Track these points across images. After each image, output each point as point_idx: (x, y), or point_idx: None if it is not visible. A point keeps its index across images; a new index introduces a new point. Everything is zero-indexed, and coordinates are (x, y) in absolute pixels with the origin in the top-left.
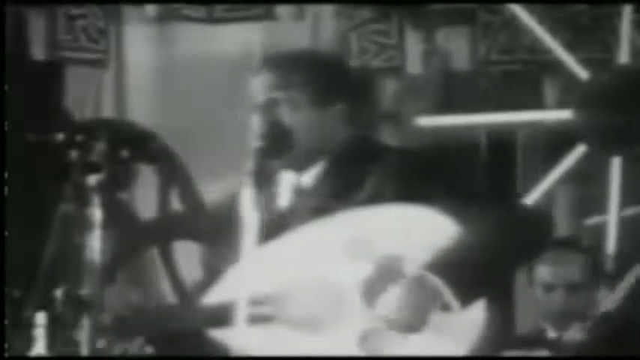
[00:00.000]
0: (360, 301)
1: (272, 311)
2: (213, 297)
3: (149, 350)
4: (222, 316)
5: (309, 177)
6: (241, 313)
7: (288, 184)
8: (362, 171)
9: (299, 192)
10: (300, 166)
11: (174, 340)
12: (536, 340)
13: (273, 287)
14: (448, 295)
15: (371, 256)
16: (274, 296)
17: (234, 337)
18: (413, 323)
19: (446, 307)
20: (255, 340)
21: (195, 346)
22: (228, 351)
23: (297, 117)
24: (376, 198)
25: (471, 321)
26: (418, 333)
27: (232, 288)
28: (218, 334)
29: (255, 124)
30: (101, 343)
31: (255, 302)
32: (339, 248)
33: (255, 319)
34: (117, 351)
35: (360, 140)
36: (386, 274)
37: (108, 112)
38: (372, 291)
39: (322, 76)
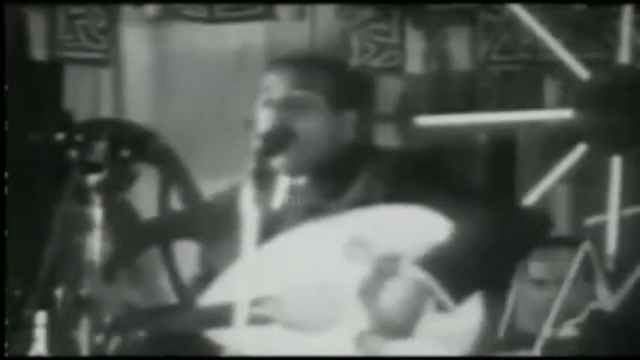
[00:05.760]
0: (357, 302)
1: (270, 312)
2: (210, 297)
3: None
4: (219, 317)
5: (302, 179)
6: (239, 314)
7: (283, 185)
8: (352, 172)
9: (293, 193)
10: (298, 170)
11: (169, 341)
12: (532, 339)
13: (271, 288)
14: (441, 293)
15: (369, 257)
16: (272, 297)
17: (230, 337)
18: (406, 322)
19: (441, 307)
20: (252, 340)
21: (191, 347)
22: (223, 352)
23: (308, 120)
24: (366, 199)
25: (467, 326)
26: (410, 333)
27: (230, 289)
28: (214, 335)
29: (264, 119)
30: (99, 339)
31: (253, 303)
32: (337, 249)
33: (254, 320)
34: (114, 345)
35: (353, 143)
36: (383, 274)
37: (108, 111)
38: (369, 291)
39: (343, 82)
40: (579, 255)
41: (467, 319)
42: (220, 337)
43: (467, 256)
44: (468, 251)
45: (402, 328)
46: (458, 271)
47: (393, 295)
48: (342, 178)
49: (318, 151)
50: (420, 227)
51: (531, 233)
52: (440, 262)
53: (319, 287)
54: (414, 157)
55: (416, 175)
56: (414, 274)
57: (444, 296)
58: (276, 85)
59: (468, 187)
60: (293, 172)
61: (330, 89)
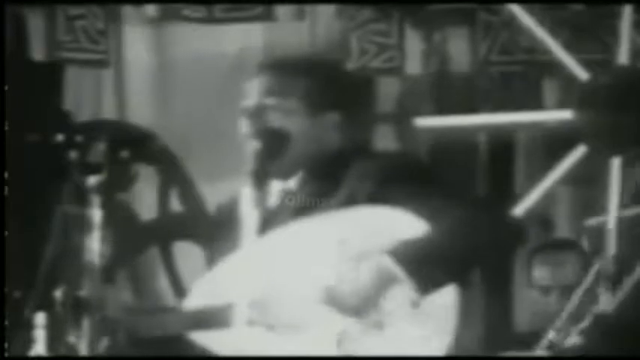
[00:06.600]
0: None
1: (255, 315)
2: (195, 299)
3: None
4: (204, 319)
5: (292, 181)
6: (237, 315)
7: (275, 188)
8: (340, 174)
9: (284, 195)
10: (287, 172)
11: (155, 343)
12: (536, 340)
13: (254, 291)
14: (403, 277)
15: (348, 256)
16: (257, 300)
17: (215, 340)
18: (355, 302)
19: (415, 304)
20: (237, 342)
21: (176, 349)
22: (208, 353)
23: (290, 123)
24: (353, 199)
25: (443, 307)
26: (358, 314)
27: (215, 291)
28: (199, 338)
29: (244, 127)
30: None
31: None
32: (318, 249)
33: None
34: (102, 345)
35: (339, 145)
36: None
37: (108, 112)
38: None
39: (319, 86)
40: (583, 260)
41: (441, 299)
42: (205, 339)
43: (441, 252)
44: (444, 249)
45: (351, 307)
46: (429, 264)
47: (350, 275)
48: (329, 179)
49: (301, 155)
50: (397, 228)
51: (511, 237)
52: (412, 253)
53: (300, 288)
54: (401, 159)
55: (402, 177)
56: (379, 259)
57: (409, 285)
58: (250, 92)
59: (453, 191)
60: (279, 175)
61: (307, 94)
